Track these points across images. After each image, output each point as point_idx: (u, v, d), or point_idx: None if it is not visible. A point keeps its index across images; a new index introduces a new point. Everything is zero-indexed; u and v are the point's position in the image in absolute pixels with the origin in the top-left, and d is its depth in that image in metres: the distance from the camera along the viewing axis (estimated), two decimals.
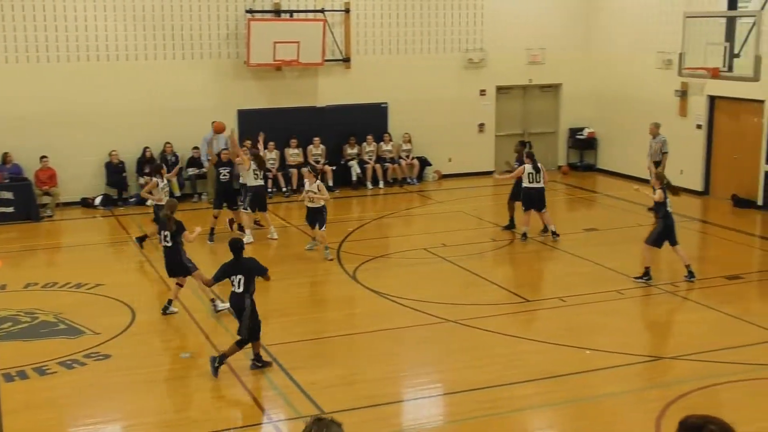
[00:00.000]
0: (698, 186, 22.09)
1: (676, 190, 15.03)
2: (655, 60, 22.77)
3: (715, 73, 18.14)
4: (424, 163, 24.27)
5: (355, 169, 23.25)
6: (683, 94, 22.04)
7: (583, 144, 25.78)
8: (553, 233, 17.65)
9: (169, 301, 13.54)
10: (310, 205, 16.45)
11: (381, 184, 23.48)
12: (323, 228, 16.40)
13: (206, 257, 16.16)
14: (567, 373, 11.10)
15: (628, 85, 24.11)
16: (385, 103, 23.85)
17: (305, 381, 10.90)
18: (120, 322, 13.11)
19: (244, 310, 11.11)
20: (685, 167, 21.80)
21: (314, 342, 12.51)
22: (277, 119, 22.58)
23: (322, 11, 22.79)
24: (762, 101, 20.06)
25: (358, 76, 23.41)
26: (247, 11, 22.13)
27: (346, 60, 23.33)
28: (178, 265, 13.40)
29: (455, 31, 24.33)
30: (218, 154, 18.25)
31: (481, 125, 25.04)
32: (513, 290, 14.81)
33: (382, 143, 23.71)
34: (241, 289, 11.15)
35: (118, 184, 21.57)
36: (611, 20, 24.69)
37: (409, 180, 23.93)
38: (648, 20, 23.30)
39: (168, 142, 21.69)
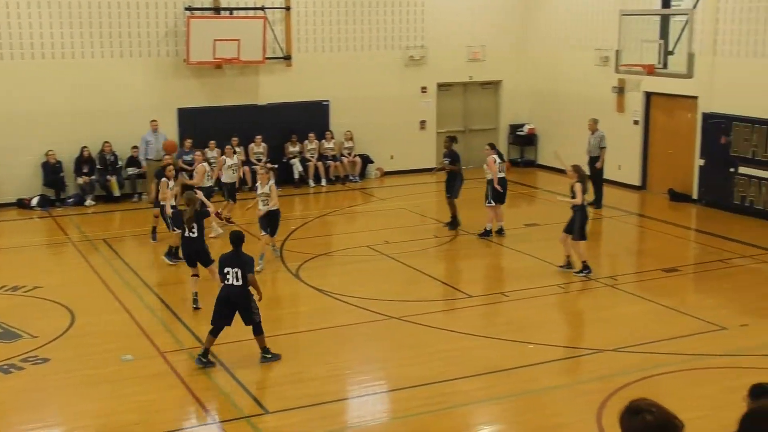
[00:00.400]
0: (636, 181, 22.43)
1: (587, 185, 15.24)
2: (592, 57, 23.07)
3: (650, 70, 18.44)
4: (366, 160, 24.29)
5: (297, 167, 23.18)
6: (620, 90, 22.37)
7: (523, 140, 26.01)
8: (500, 230, 17.77)
9: (195, 294, 13.59)
10: (264, 208, 15.37)
11: (323, 182, 23.46)
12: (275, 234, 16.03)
13: (149, 257, 16.02)
14: (510, 368, 11.21)
15: (566, 81, 24.38)
16: (327, 100, 23.82)
17: (249, 380, 10.86)
18: (59, 324, 12.91)
19: (243, 301, 11.17)
20: (623, 162, 22.13)
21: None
22: (218, 118, 22.43)
23: (262, 9, 22.68)
24: (695, 97, 20.43)
25: (299, 73, 23.35)
26: (187, 9, 21.93)
27: (287, 58, 23.25)
28: (202, 253, 13.61)
29: (396, 28, 24.38)
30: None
31: (423, 122, 25.14)
32: (456, 286, 14.92)
33: (324, 141, 23.67)
34: (239, 282, 11.14)
35: (56, 185, 21.23)
36: (549, 18, 24.95)
37: (351, 177, 23.94)
38: (585, 18, 23.59)
39: (107, 142, 21.41)
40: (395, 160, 24.63)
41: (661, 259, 16.32)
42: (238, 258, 11.27)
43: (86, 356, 11.84)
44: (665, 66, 18.97)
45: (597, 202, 20.21)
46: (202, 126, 22.14)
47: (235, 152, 19.58)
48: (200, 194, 15.12)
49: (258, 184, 15.88)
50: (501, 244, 17.36)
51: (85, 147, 21.24)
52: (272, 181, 15.67)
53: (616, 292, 14.53)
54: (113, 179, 21.40)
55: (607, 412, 9.67)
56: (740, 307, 13.55)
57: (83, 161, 21.21)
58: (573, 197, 14.95)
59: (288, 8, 23.09)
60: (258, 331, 11.36)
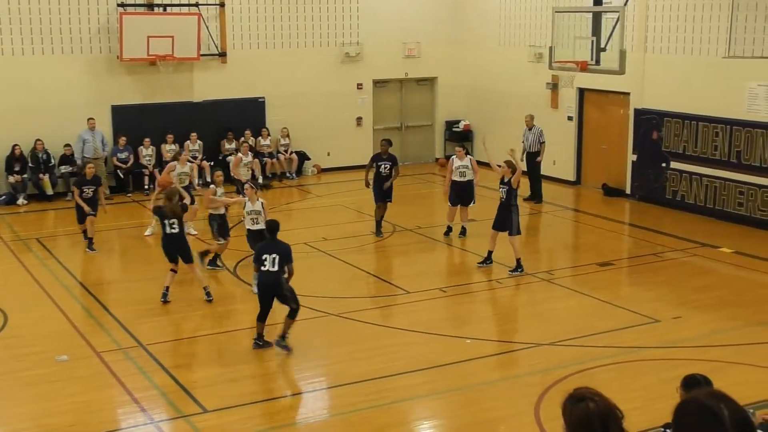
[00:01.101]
0: (570, 176, 22.72)
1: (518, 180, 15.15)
2: (526, 54, 23.31)
3: (583, 66, 18.69)
4: (302, 157, 24.22)
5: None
6: (554, 86, 22.63)
7: (459, 136, 26.15)
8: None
9: (167, 288, 13.61)
10: (255, 227, 14.28)
11: (260, 179, 23.32)
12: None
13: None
14: (448, 363, 11.28)
15: (501, 78, 24.59)
16: (263, 97, 23.70)
17: (187, 380, 10.78)
18: None
19: (278, 287, 11.46)
20: (558, 158, 22.39)
21: (195, 340, 12.38)
22: (153, 115, 22.19)
23: (196, 5, 22.47)
24: (628, 93, 20.76)
25: (234, 70, 23.20)
26: (119, 5, 21.64)
27: (223, 54, 23.09)
28: (183, 250, 13.61)
29: (331, 25, 24.36)
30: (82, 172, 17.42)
31: (359, 119, 25.16)
32: (394, 282, 14.96)
33: (260, 138, 23.55)
34: (275, 268, 11.36)
35: None
36: (484, 14, 25.12)
37: (288, 174, 23.86)
38: (519, 14, 23.83)
39: (39, 140, 21.02)
40: (332, 156, 24.61)
41: (596, 253, 16.56)
42: (275, 246, 11.54)
43: (20, 357, 11.63)
44: (598, 62, 19.22)
45: (537, 197, 20.50)
46: (136, 123, 21.86)
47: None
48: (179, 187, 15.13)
49: (246, 200, 14.55)
50: (437, 240, 17.45)
51: (16, 145, 20.83)
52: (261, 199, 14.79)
53: (552, 286, 14.71)
54: (46, 178, 21.04)
55: (545, 405, 9.80)
56: (673, 299, 13.81)
57: (14, 159, 20.81)
58: (511, 188, 14.99)
59: (222, 5, 22.92)
60: (292, 316, 11.56)
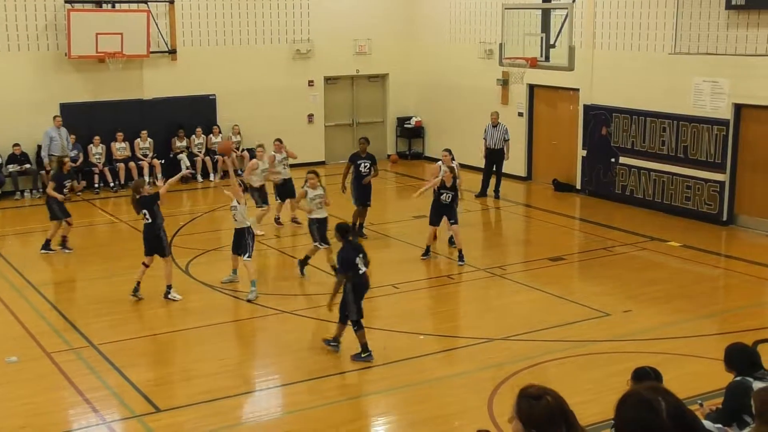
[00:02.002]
0: (521, 172, 22.88)
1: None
2: (477, 50, 23.44)
3: (533, 63, 18.86)
4: (254, 155, 24.05)
5: (185, 162, 22.74)
6: (505, 82, 22.78)
7: (410, 133, 26.24)
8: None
9: (138, 284, 13.59)
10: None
11: (212, 177, 23.22)
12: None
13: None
14: (401, 359, 11.33)
15: (452, 74, 24.69)
16: (213, 95, 23.55)
17: (139, 379, 10.70)
18: None
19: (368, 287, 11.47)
20: (509, 153, 22.51)
21: (147, 339, 12.27)
22: (103, 113, 21.96)
23: (145, 2, 22.27)
24: (577, 89, 20.96)
25: (184, 67, 23.03)
26: (67, 1, 21.36)
27: (173, 52, 22.91)
28: (160, 242, 13.53)
29: (282, 22, 24.27)
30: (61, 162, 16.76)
31: (311, 116, 25.11)
32: None
33: (211, 135, 23.41)
34: (363, 269, 11.26)
35: None
36: (434, 11, 25.21)
37: (239, 172, 23.69)
38: (469, 11, 23.95)
39: None
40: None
41: (547, 248, 16.71)
42: (354, 247, 11.39)
43: None
44: (547, 59, 19.42)
45: (496, 192, 20.71)
46: (86, 121, 21.60)
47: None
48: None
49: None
50: (389, 236, 17.49)
51: None
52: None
53: (504, 281, 14.82)
54: None
55: (498, 400, 9.88)
56: (623, 293, 13.99)
57: None
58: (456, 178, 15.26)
59: (172, 1, 22.74)
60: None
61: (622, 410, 3.53)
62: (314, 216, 14.65)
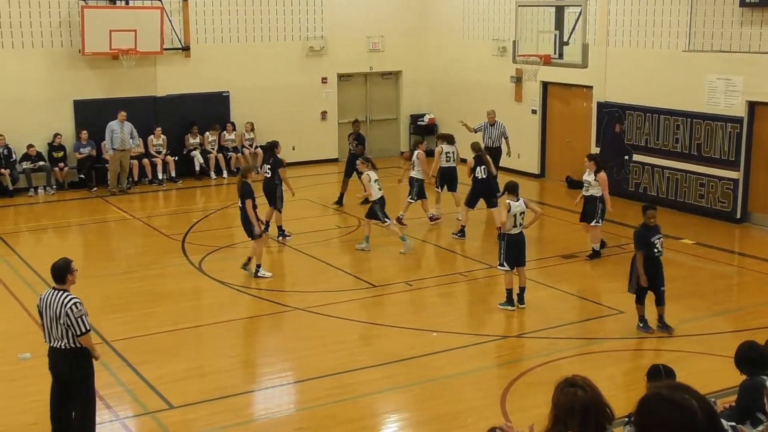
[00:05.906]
0: (535, 169, 22.84)
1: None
2: (490, 47, 23.40)
3: (546, 60, 18.79)
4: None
5: (198, 159, 22.91)
6: (518, 80, 22.73)
7: (423, 130, 26.19)
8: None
9: (249, 259, 14.66)
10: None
11: (225, 174, 23.24)
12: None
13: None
14: (414, 356, 11.32)
15: (465, 71, 24.66)
16: (227, 91, 23.58)
17: (152, 376, 10.72)
18: None
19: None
20: (522, 151, 22.49)
21: (160, 335, 12.30)
22: (116, 110, 21.95)
23: None
24: (591, 87, 20.90)
25: (198, 64, 23.06)
26: None
27: (186, 48, 22.94)
28: (246, 226, 14.56)
29: (296, 19, 24.27)
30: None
31: (324, 113, 25.12)
32: (359, 276, 14.96)
33: (224, 132, 23.45)
34: None
35: None
36: (447, 8, 25.18)
37: (258, 170, 23.73)
38: (482, 8, 23.91)
39: (0, 134, 20.78)
40: (297, 150, 24.52)
41: (560, 245, 16.67)
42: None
43: None
44: (561, 56, 19.32)
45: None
46: (99, 118, 21.65)
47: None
48: None
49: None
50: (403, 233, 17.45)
51: None
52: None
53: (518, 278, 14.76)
54: (6, 173, 20.80)
55: (511, 398, 9.86)
56: None
57: None
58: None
59: None
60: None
61: (650, 414, 3.39)
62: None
